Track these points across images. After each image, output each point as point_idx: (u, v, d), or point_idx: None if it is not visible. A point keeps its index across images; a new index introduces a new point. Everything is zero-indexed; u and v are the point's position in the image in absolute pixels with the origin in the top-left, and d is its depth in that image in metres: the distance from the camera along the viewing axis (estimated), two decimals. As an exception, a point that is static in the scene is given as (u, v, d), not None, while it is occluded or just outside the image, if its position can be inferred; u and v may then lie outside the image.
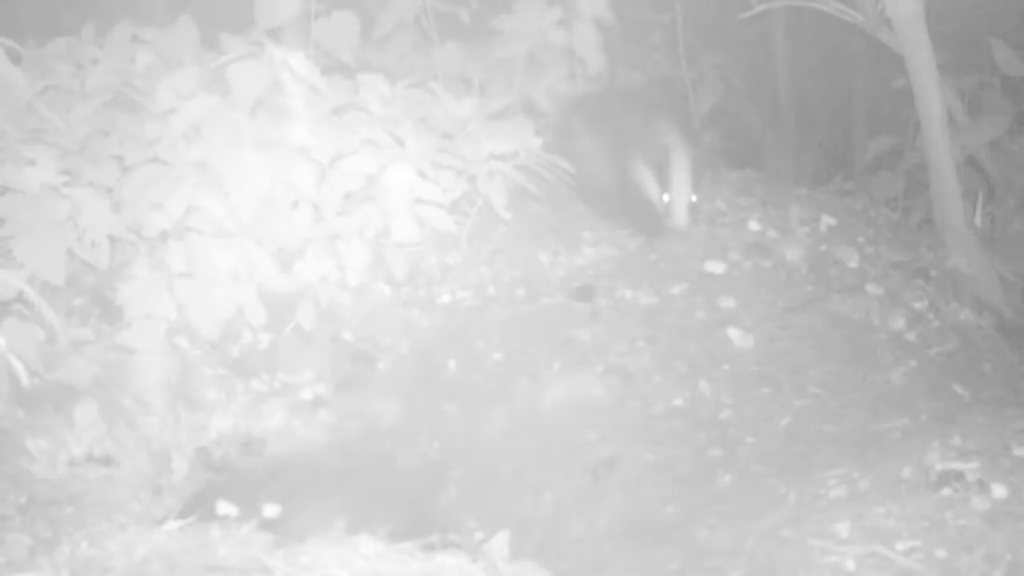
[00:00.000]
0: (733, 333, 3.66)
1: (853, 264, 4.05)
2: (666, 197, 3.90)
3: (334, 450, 3.49)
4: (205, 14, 3.92)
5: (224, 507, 3.21)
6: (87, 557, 2.57)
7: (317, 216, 3.50)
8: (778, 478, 3.02)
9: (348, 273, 3.59)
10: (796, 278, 3.94)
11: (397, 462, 3.45)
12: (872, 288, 3.95)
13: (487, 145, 3.73)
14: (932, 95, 4.14)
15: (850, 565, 2.58)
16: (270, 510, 3.26)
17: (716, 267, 3.93)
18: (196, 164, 3.32)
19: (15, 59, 3.58)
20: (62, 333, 3.29)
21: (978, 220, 4.60)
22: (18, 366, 3.15)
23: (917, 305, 3.97)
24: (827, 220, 4.24)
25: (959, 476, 2.77)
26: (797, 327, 3.72)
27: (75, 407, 3.21)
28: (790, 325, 3.73)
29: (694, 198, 3.92)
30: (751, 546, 2.75)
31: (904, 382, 3.57)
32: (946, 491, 2.73)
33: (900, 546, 2.60)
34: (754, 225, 4.13)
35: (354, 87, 3.64)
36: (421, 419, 3.53)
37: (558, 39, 4.34)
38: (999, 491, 2.70)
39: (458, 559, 2.59)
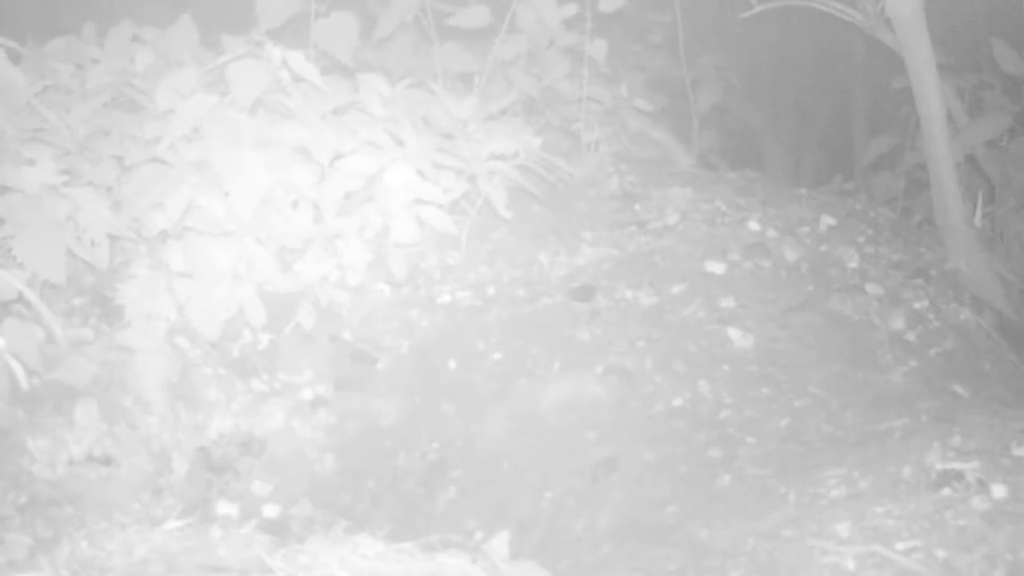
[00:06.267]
0: (733, 333, 3.66)
1: (853, 264, 4.05)
2: None
3: (334, 450, 3.49)
4: (205, 14, 3.92)
5: (224, 507, 3.21)
6: (87, 557, 2.57)
7: (317, 216, 3.50)
8: (778, 478, 3.02)
9: (348, 273, 3.59)
10: (796, 278, 3.94)
11: (397, 462, 3.46)
12: (872, 288, 3.95)
13: (487, 145, 3.73)
14: (932, 95, 4.14)
15: (850, 565, 2.58)
16: (270, 510, 3.27)
17: (716, 267, 3.92)
18: (196, 164, 3.32)
19: (15, 59, 3.58)
20: (61, 333, 3.29)
21: (978, 220, 4.61)
22: (16, 367, 3.14)
23: (917, 305, 3.97)
24: (827, 220, 4.24)
25: (959, 476, 2.77)
26: (797, 327, 3.72)
27: (75, 407, 3.21)
28: (790, 325, 3.72)
29: None
30: (751, 546, 2.75)
31: (904, 382, 3.57)
32: (946, 491, 2.73)
33: (900, 546, 2.60)
34: (754, 225, 4.12)
35: (354, 87, 3.65)
36: (421, 419, 3.53)
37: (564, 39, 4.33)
38: (999, 491, 2.70)
39: (458, 559, 2.59)
